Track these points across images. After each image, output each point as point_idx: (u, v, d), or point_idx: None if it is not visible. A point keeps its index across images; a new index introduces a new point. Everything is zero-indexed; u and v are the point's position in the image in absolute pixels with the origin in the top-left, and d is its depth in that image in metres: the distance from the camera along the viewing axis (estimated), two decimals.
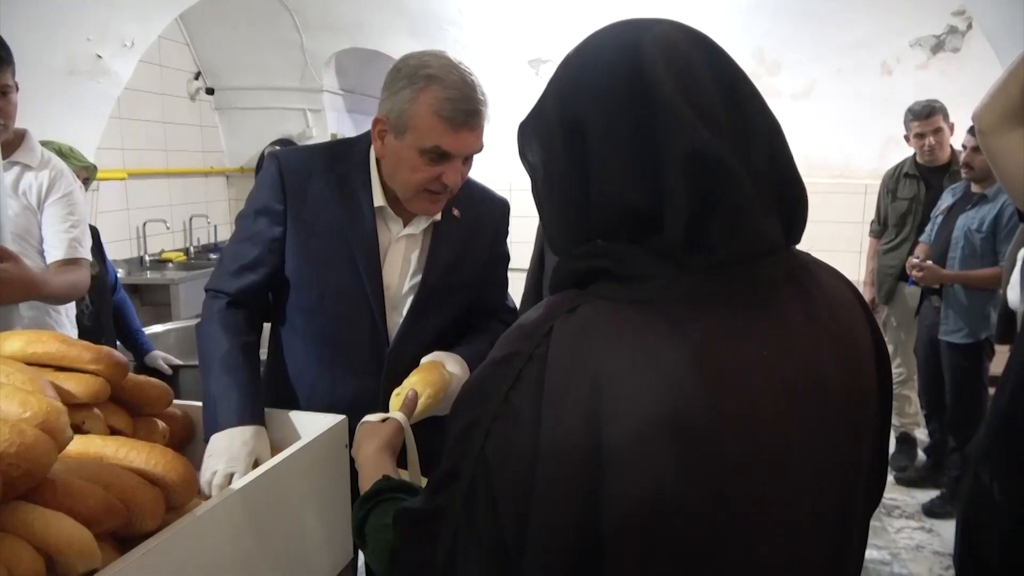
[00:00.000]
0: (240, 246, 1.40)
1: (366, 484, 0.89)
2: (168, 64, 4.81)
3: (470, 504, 0.63)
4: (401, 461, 1.10)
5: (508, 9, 4.60)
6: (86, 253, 1.91)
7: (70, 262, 1.84)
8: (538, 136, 0.69)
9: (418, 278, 1.41)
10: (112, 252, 4.24)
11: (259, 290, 1.41)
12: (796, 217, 0.67)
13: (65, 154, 2.24)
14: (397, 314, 1.41)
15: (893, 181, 3.71)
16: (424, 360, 1.35)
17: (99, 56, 3.44)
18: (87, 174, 2.43)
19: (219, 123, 5.37)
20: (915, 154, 3.64)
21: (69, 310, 2.05)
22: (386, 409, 1.21)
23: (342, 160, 1.39)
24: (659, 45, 0.62)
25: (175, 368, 2.68)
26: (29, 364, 1.04)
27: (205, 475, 1.14)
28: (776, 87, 4.67)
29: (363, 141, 1.40)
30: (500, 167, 3.26)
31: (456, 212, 1.44)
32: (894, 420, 3.90)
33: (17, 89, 1.83)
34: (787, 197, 0.66)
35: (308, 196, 1.37)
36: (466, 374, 1.32)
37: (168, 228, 4.70)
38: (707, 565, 0.59)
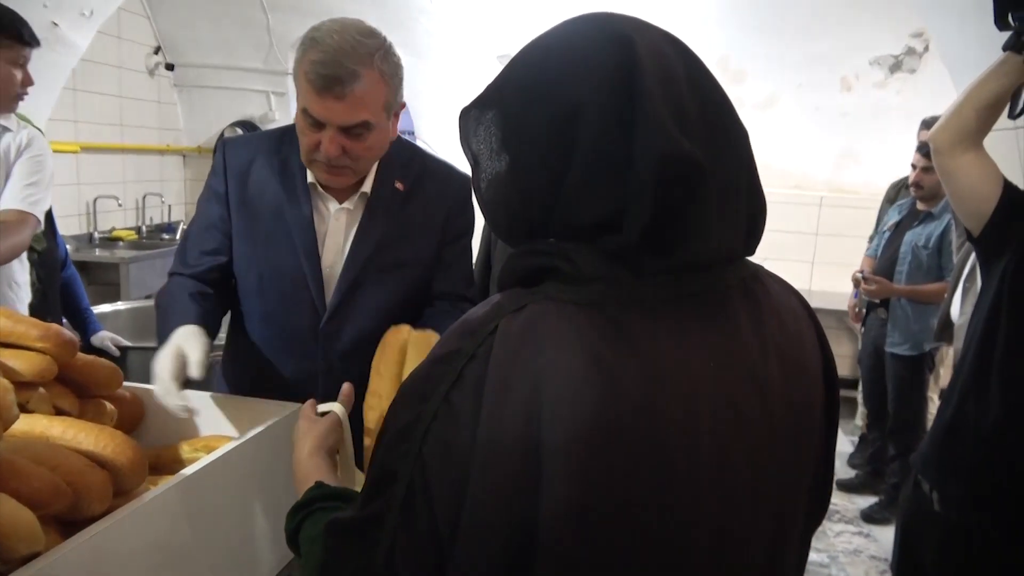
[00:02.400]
0: (198, 231, 1.40)
1: (300, 490, 0.85)
2: (127, 37, 4.66)
3: (407, 508, 0.61)
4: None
5: (478, 1, 4.58)
6: (38, 214, 1.89)
7: (19, 215, 1.83)
8: (503, 119, 0.65)
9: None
10: (61, 227, 4.09)
11: (220, 273, 1.39)
12: (756, 228, 0.67)
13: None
14: (333, 291, 1.39)
15: (894, 191, 3.81)
16: (386, 334, 1.23)
17: (55, 24, 3.33)
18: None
19: (178, 100, 5.23)
20: None
21: (25, 288, 2.01)
22: (328, 393, 1.14)
23: (288, 143, 1.38)
24: (649, 45, 0.62)
25: (123, 350, 2.60)
26: None
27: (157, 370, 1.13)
28: (739, 96, 4.75)
29: None
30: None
31: (400, 185, 1.40)
32: (858, 420, 4.04)
33: None
34: (752, 209, 0.66)
35: (250, 179, 1.37)
36: None
37: (120, 205, 4.57)
38: (638, 571, 0.59)
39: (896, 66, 4.57)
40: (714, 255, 0.62)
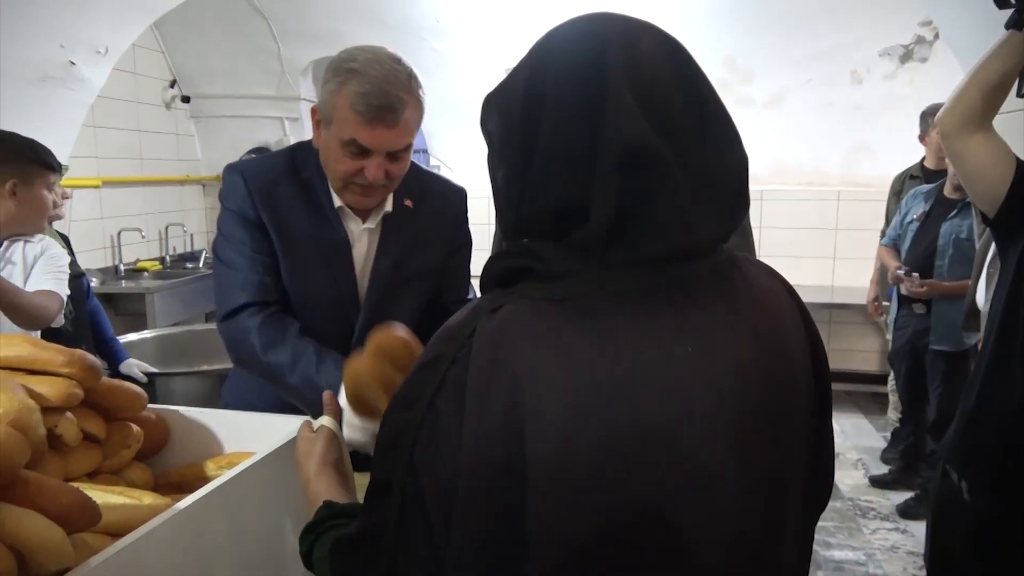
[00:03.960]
0: (250, 261, 1.37)
1: (310, 512, 0.86)
2: (143, 72, 4.77)
3: (403, 517, 0.62)
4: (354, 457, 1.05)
5: (485, 18, 4.63)
6: (62, 294, 2.06)
7: (48, 292, 2.00)
8: (500, 108, 0.68)
9: None
10: (87, 261, 4.20)
11: (280, 293, 1.38)
12: (732, 223, 0.67)
13: None
14: (363, 310, 1.43)
15: (899, 183, 3.76)
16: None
17: (72, 63, 3.42)
18: (59, 175, 2.42)
19: (195, 131, 5.33)
20: (923, 158, 3.68)
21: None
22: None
23: (304, 166, 1.40)
24: (624, 38, 0.63)
25: (150, 376, 2.65)
26: (2, 368, 1.04)
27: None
28: (748, 96, 4.74)
29: None
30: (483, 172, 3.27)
31: (408, 203, 1.45)
32: (891, 415, 3.97)
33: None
34: (734, 206, 0.66)
35: (277, 204, 1.37)
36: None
37: (143, 237, 4.66)
38: (629, 566, 0.58)
39: (906, 56, 4.54)
40: (684, 247, 0.63)
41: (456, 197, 1.55)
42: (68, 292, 2.11)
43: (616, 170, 0.59)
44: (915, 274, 3.24)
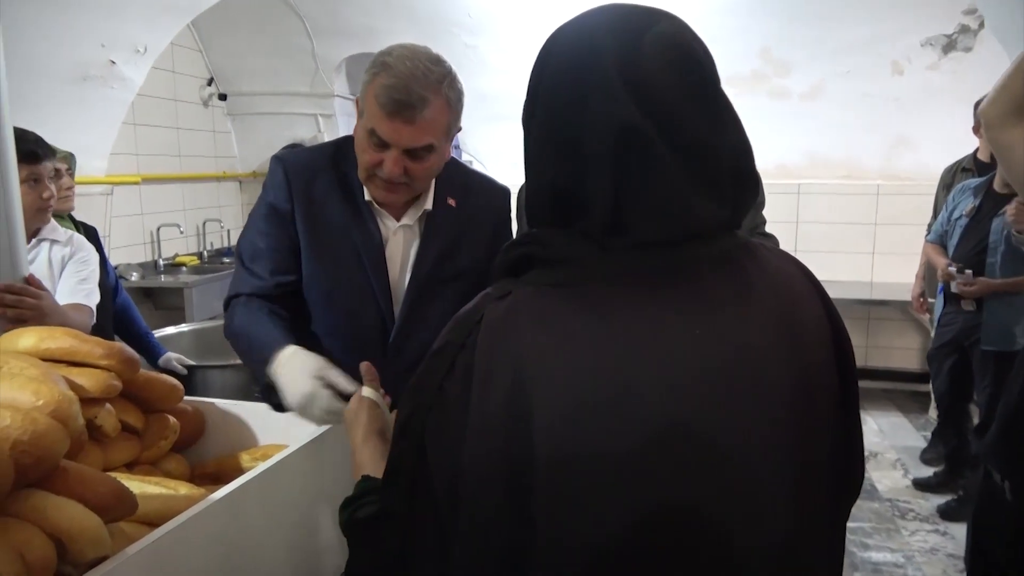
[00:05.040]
0: (266, 250, 1.40)
1: (356, 477, 0.87)
2: (180, 70, 4.85)
3: (412, 500, 0.63)
4: None
5: (517, 12, 4.61)
6: (92, 306, 2.10)
7: (78, 306, 2.04)
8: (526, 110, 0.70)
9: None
10: (127, 256, 4.30)
11: (291, 293, 1.41)
12: (738, 208, 0.67)
13: None
14: (400, 306, 1.43)
15: (950, 176, 3.66)
16: None
17: (112, 62, 3.49)
18: (68, 164, 2.41)
19: (231, 128, 5.42)
20: (976, 149, 3.57)
21: None
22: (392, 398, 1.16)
23: (345, 158, 1.41)
24: (623, 25, 0.64)
25: (190, 369, 2.69)
26: (43, 360, 1.06)
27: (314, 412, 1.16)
28: (784, 88, 4.66)
29: None
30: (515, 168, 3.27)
31: (452, 201, 1.46)
32: (931, 415, 3.89)
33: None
34: (737, 189, 0.66)
35: (314, 195, 1.39)
36: None
37: (182, 232, 4.74)
38: (628, 548, 0.58)
39: (949, 46, 4.42)
40: (683, 228, 0.63)
41: (500, 196, 1.55)
42: (98, 298, 2.13)
43: (606, 152, 0.60)
44: (968, 271, 3.13)
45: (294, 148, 5.24)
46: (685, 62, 0.64)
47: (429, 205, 1.43)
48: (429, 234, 1.44)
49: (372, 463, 0.89)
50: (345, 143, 1.45)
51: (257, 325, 1.31)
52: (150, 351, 2.68)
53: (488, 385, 0.59)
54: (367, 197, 1.39)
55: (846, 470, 0.72)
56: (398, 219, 1.42)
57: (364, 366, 1.10)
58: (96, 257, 2.22)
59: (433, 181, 1.42)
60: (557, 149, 0.64)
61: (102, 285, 2.55)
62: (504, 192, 1.55)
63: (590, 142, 0.61)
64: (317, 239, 1.39)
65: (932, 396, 3.91)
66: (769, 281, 0.67)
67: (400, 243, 1.43)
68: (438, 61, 1.28)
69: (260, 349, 1.26)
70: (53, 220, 2.15)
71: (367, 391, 1.05)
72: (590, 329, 0.60)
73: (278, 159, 1.43)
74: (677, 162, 0.61)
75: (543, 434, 0.57)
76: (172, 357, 2.70)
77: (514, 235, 1.55)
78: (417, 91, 1.23)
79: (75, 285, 2.07)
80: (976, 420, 3.31)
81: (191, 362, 2.71)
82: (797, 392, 0.64)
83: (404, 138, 1.26)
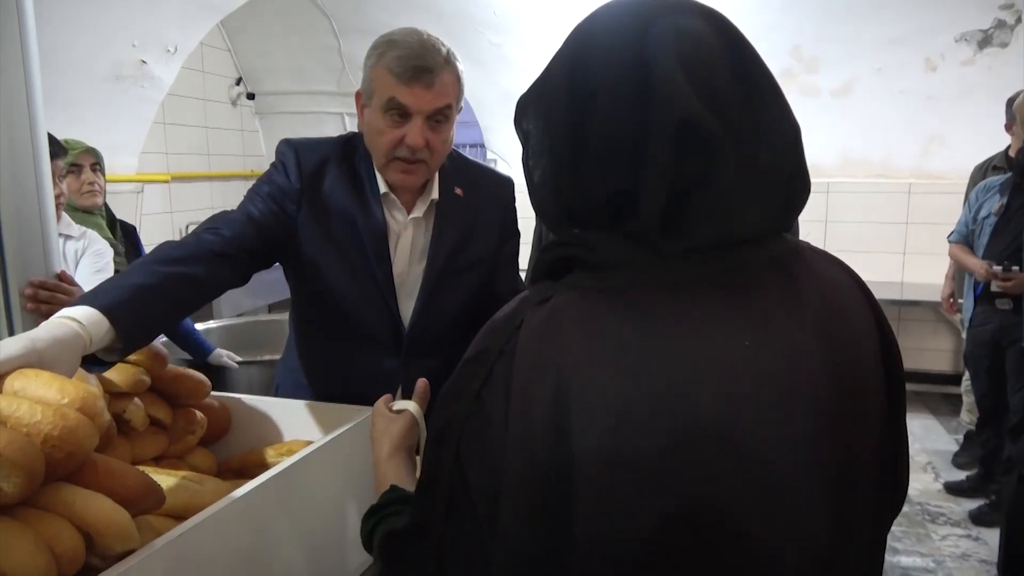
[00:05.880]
0: (260, 214, 1.32)
1: (378, 492, 0.86)
2: (210, 70, 4.92)
3: (451, 512, 0.61)
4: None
5: (543, 10, 4.60)
6: None
7: None
8: (541, 104, 0.66)
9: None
10: None
11: (248, 256, 1.27)
12: (792, 207, 0.64)
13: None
14: (411, 297, 1.43)
15: (980, 174, 3.58)
16: None
17: (143, 62, 3.54)
18: (93, 158, 2.42)
19: (259, 127, 5.48)
20: (1008, 147, 3.49)
21: None
22: (408, 392, 1.13)
23: (354, 151, 1.42)
24: (673, 19, 0.60)
25: (216, 365, 2.72)
26: None
27: None
28: (814, 85, 4.60)
29: None
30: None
31: (459, 191, 1.47)
32: (964, 417, 3.82)
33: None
34: (791, 191, 0.63)
35: (323, 182, 1.39)
36: None
37: None
38: (682, 566, 0.56)
39: (985, 41, 4.33)
40: (737, 232, 0.60)
41: (504, 186, 1.56)
42: None
43: (668, 151, 0.56)
44: (1014, 268, 3.02)
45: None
46: (743, 57, 0.61)
47: (436, 194, 1.43)
48: (441, 225, 1.44)
49: (397, 477, 0.87)
50: (354, 137, 1.46)
51: (139, 269, 1.09)
52: (198, 348, 2.70)
53: (530, 394, 0.57)
54: (382, 189, 1.39)
55: (890, 484, 0.70)
56: (408, 211, 1.42)
57: (421, 382, 1.05)
58: (110, 252, 2.23)
59: (437, 170, 1.42)
60: (618, 152, 0.59)
61: None
62: (509, 183, 1.57)
63: (651, 139, 0.57)
64: (321, 224, 1.38)
65: (964, 398, 3.84)
66: (817, 287, 0.64)
67: (410, 236, 1.44)
68: (439, 40, 1.33)
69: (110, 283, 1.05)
70: (66, 216, 2.18)
71: (411, 405, 1.01)
72: (636, 337, 0.57)
73: (288, 142, 1.42)
74: (736, 161, 0.58)
75: (585, 444, 0.55)
76: (222, 353, 2.73)
77: (516, 226, 1.58)
78: (431, 56, 1.28)
79: (91, 275, 2.09)
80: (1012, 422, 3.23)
81: (240, 358, 2.74)
82: (847, 404, 0.62)
83: (426, 102, 1.28)
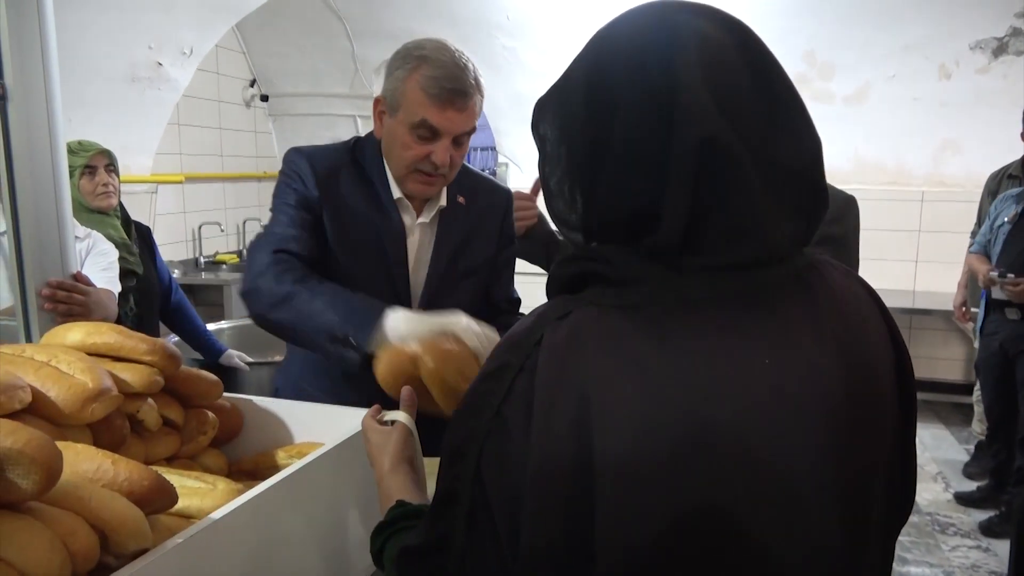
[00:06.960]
0: (299, 232, 1.36)
1: (384, 508, 0.85)
2: (224, 72, 4.95)
3: (472, 528, 0.60)
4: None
5: (556, 14, 4.61)
6: (117, 290, 2.16)
7: (107, 291, 2.09)
8: (557, 110, 0.65)
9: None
10: (169, 253, 4.38)
11: (314, 253, 1.37)
12: (812, 223, 0.64)
13: (73, 149, 2.28)
14: (414, 301, 1.45)
15: (995, 183, 3.58)
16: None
17: (159, 64, 3.57)
18: (108, 159, 2.39)
19: (272, 129, 5.51)
20: (1023, 156, 3.48)
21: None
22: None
23: (363, 155, 1.44)
24: (696, 30, 0.60)
25: (227, 367, 2.73)
26: (89, 354, 1.09)
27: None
28: (828, 91, 4.58)
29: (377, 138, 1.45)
30: None
31: (461, 199, 1.49)
32: (975, 427, 3.79)
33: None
34: (812, 205, 0.63)
35: (338, 187, 1.40)
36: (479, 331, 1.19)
37: (222, 231, 4.84)
38: (687, 571, 0.56)
39: (1000, 49, 4.30)
40: (761, 252, 0.59)
41: (502, 196, 1.59)
42: (119, 288, 2.18)
43: (690, 168, 0.56)
44: (1010, 275, 3.04)
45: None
46: (765, 68, 0.61)
47: (444, 202, 1.46)
48: (444, 231, 1.47)
49: (401, 492, 0.87)
50: (359, 143, 1.47)
51: (343, 293, 1.25)
52: (210, 348, 2.71)
53: (552, 411, 0.57)
54: (396, 194, 1.41)
55: (898, 493, 0.70)
56: (418, 215, 1.44)
57: (406, 391, 1.05)
58: (115, 252, 2.23)
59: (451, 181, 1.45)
60: (640, 169, 0.58)
61: (156, 284, 2.60)
62: (507, 193, 1.60)
63: (674, 156, 0.56)
64: (340, 229, 1.40)
65: (975, 408, 3.82)
66: (835, 302, 0.64)
67: (417, 240, 1.46)
68: (462, 52, 1.34)
69: (365, 312, 1.20)
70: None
71: (402, 416, 1.00)
72: (660, 357, 0.57)
73: (299, 151, 1.43)
74: (759, 178, 0.57)
75: (606, 458, 0.55)
76: (234, 354, 2.73)
77: (513, 235, 1.60)
78: (465, 79, 1.28)
79: (98, 273, 2.11)
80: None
81: (251, 359, 2.75)
82: (862, 421, 0.62)
83: (457, 125, 1.30)
